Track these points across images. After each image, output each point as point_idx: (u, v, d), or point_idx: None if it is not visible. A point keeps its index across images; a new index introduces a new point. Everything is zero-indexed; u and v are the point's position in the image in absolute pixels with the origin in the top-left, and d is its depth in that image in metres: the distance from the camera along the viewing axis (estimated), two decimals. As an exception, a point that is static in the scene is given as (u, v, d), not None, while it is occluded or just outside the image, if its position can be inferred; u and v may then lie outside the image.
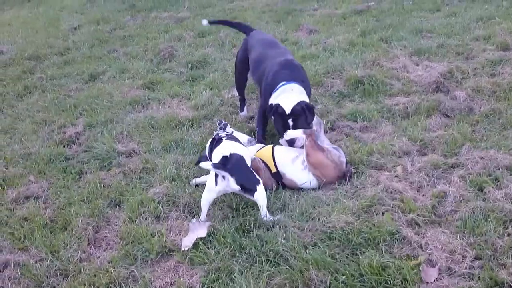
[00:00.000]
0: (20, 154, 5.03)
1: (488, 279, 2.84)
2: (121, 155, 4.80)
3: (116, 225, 3.84)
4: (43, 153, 4.93)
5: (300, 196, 3.84)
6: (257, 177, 3.66)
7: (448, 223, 3.36)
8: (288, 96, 4.31)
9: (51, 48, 8.85)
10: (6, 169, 4.80)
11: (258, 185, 3.56)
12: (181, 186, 4.12)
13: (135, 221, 3.78)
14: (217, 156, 3.68)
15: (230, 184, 3.50)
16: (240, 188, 3.51)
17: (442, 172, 3.93)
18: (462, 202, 3.50)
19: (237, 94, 5.53)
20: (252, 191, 3.53)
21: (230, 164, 3.54)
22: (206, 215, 3.69)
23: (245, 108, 5.47)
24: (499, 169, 3.80)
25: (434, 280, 2.93)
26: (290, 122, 4.22)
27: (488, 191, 3.55)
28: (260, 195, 3.56)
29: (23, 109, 6.27)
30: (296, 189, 3.99)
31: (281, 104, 4.25)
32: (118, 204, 4.11)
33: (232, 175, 3.48)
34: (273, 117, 4.32)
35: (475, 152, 4.04)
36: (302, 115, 4.22)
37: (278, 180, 4.02)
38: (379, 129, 4.74)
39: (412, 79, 5.73)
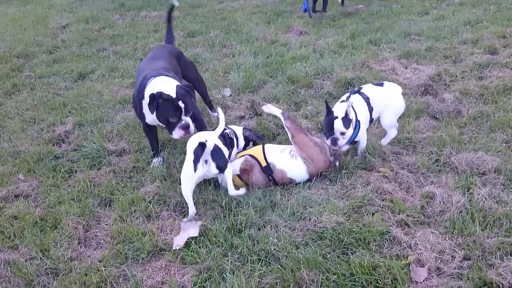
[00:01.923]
0: (9, 152, 4.99)
1: (477, 279, 2.89)
2: (111, 154, 4.79)
3: (107, 224, 3.83)
4: (32, 152, 4.89)
5: (291, 196, 3.86)
6: (226, 158, 3.93)
7: (437, 224, 3.41)
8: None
9: (40, 46, 8.78)
10: (-5, 167, 4.76)
11: (228, 164, 3.86)
12: (172, 186, 4.12)
13: (126, 220, 3.78)
14: (193, 142, 3.79)
15: (211, 168, 3.73)
16: (218, 172, 3.75)
17: (431, 173, 3.98)
18: (450, 203, 3.55)
19: (228, 94, 5.56)
20: (224, 169, 3.79)
21: (211, 149, 3.73)
22: (196, 210, 3.76)
23: None
24: (487, 170, 3.87)
25: (424, 280, 2.97)
26: None
27: (476, 192, 3.61)
28: (228, 171, 3.81)
29: (11, 107, 6.22)
30: (288, 184, 4.03)
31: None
32: (108, 203, 4.10)
33: (213, 160, 3.72)
34: None
35: (463, 154, 4.10)
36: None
37: (269, 175, 4.06)
38: (369, 130, 4.76)
39: (401, 81, 5.78)
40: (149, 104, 4.13)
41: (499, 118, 4.64)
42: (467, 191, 3.67)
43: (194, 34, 8.75)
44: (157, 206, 3.93)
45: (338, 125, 3.96)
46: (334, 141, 4.02)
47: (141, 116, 4.46)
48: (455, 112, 4.92)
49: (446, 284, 2.92)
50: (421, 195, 3.70)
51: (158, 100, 4.07)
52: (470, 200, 3.54)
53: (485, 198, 3.54)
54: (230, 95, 5.89)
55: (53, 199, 4.16)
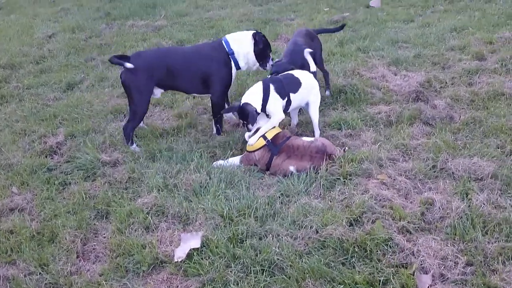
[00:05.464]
0: (1, 165, 4.89)
1: (482, 285, 2.91)
2: (106, 165, 4.71)
3: (105, 237, 3.78)
4: (25, 164, 4.80)
5: (290, 204, 3.86)
6: None
7: (438, 230, 3.44)
8: None
9: (26, 56, 8.67)
10: (-13, 180, 4.67)
11: None
12: (170, 196, 4.09)
13: (125, 233, 3.73)
14: None
15: None
16: None
17: (428, 179, 4.02)
18: (450, 208, 3.58)
19: None
20: None
21: None
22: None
23: None
24: (484, 176, 3.92)
25: (428, 287, 2.98)
26: None
27: (474, 198, 3.64)
28: None
29: (0, 118, 6.11)
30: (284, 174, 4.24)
31: None
32: (105, 215, 4.04)
33: None
34: None
35: (459, 159, 4.15)
36: None
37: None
38: (364, 137, 4.80)
39: (391, 88, 5.83)
40: (256, 42, 5.04)
41: (492, 123, 4.71)
42: (466, 197, 3.71)
43: (182, 42, 8.71)
44: (155, 217, 3.88)
45: None
46: None
47: (228, 78, 5.07)
48: (448, 118, 4.98)
49: (451, 291, 2.95)
50: (420, 202, 3.72)
51: (261, 37, 5.06)
52: (469, 206, 3.58)
53: (484, 204, 3.59)
54: (223, 104, 5.87)
55: (48, 212, 4.08)
